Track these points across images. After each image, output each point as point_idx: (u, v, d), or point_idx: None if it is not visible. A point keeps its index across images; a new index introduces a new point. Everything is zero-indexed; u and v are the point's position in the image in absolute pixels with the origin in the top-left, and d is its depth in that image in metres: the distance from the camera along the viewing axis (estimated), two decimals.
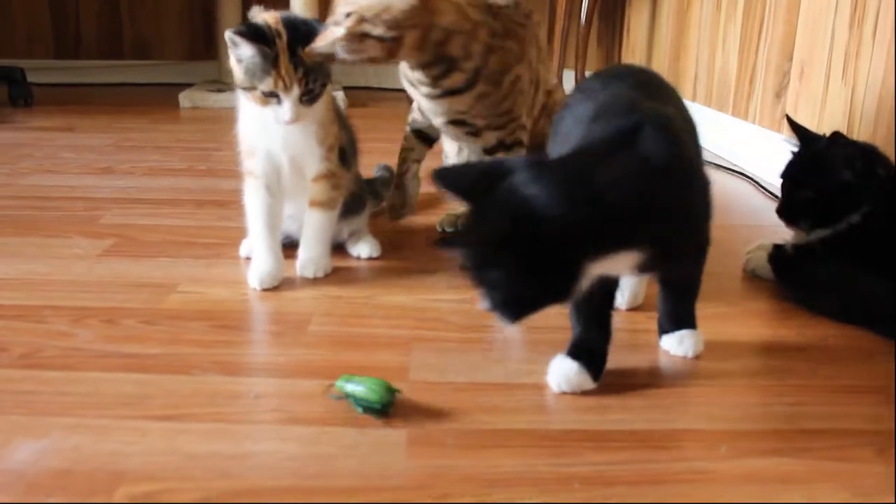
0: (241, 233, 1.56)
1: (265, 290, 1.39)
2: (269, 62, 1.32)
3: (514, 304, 0.95)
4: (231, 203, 1.84)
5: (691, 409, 1.04)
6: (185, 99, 3.28)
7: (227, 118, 3.11)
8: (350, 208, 1.53)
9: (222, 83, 3.48)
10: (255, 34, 1.32)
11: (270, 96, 1.34)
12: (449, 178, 0.96)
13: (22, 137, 2.69)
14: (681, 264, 1.12)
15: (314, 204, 1.45)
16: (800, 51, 2.13)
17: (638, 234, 0.95)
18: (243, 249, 1.54)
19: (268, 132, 1.41)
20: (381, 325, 1.26)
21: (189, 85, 3.56)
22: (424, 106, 1.56)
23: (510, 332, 1.22)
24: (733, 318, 1.33)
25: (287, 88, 1.34)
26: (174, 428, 0.97)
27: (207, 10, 3.84)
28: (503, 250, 0.90)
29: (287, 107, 1.35)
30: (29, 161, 2.33)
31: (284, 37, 1.34)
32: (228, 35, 1.32)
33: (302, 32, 1.37)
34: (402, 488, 0.86)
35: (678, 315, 1.19)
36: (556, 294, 0.95)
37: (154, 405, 1.02)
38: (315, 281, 1.44)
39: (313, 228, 1.46)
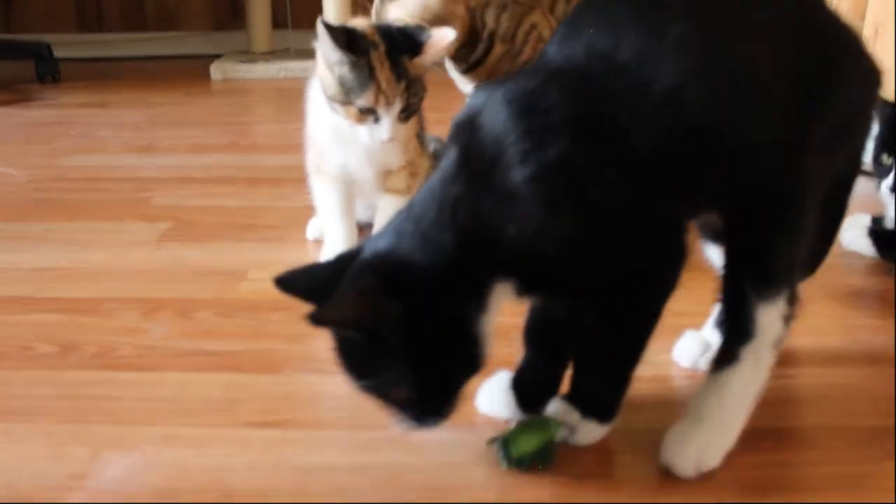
0: (302, 213, 1.46)
1: None
2: (366, 74, 1.17)
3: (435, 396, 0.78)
4: (285, 181, 1.73)
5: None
6: (216, 71, 3.16)
7: (260, 90, 3.00)
8: None
9: (252, 54, 3.35)
10: (347, 38, 1.17)
11: (367, 113, 1.20)
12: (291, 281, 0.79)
13: (54, 115, 2.58)
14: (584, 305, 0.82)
15: (391, 191, 1.33)
16: (874, 12, 1.99)
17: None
18: (310, 231, 1.44)
19: (347, 147, 1.27)
20: None
21: (216, 56, 3.42)
22: (456, 79, 1.49)
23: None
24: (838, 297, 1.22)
25: (389, 104, 1.19)
26: (277, 437, 0.87)
27: None
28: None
29: (386, 125, 1.20)
30: (66, 140, 2.22)
31: (382, 46, 1.19)
32: (319, 28, 1.16)
33: (401, 41, 1.21)
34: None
35: (576, 386, 0.85)
36: (468, 358, 0.77)
37: (248, 411, 0.93)
38: None
39: (389, 213, 1.35)
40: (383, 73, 1.18)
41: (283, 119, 2.40)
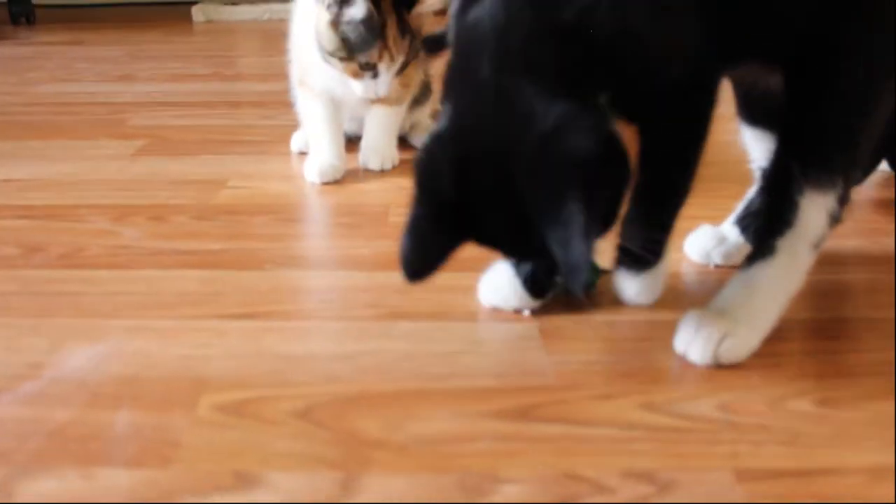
0: (286, 130, 1.37)
1: (325, 184, 1.20)
2: (377, 29, 1.10)
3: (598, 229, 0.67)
4: (271, 103, 1.64)
5: None
6: (198, 13, 3.05)
7: (245, 30, 2.89)
8: (415, 99, 1.33)
9: None
10: None
11: (367, 68, 1.13)
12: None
13: (28, 52, 2.47)
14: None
15: (380, 101, 1.24)
16: None
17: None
18: (295, 144, 1.35)
19: (337, 84, 1.20)
20: None
21: (198, 2, 3.30)
22: None
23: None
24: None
25: (392, 61, 1.13)
26: (257, 327, 0.79)
27: None
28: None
29: (384, 81, 1.15)
30: (39, 72, 2.12)
31: None
32: None
33: None
34: (549, 388, 0.69)
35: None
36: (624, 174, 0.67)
37: (227, 303, 0.84)
38: (382, 174, 1.25)
39: (377, 121, 1.27)
40: (391, 30, 1.11)
41: (268, 54, 2.30)
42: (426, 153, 0.68)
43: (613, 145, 0.64)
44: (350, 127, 1.33)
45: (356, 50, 1.12)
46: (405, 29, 1.14)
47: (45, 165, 1.31)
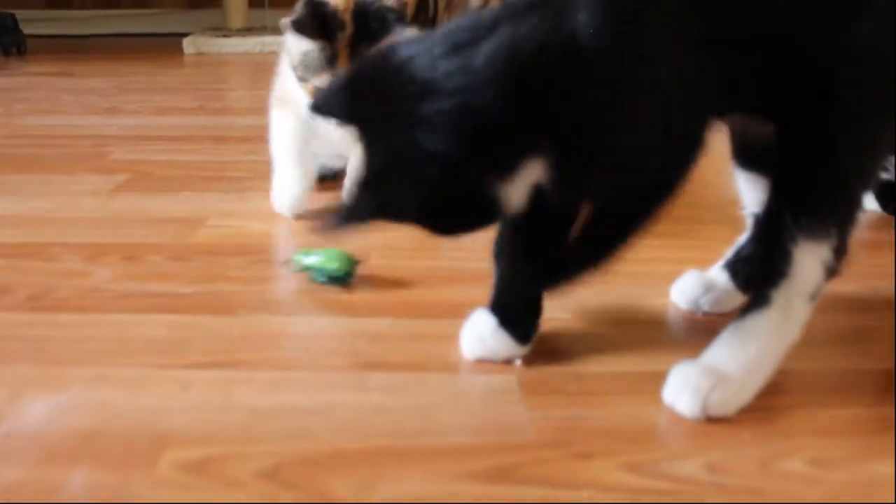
0: (271, 166, 1.34)
1: (299, 218, 1.17)
2: (327, 60, 1.12)
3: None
4: (256, 138, 1.60)
5: None
6: (189, 45, 3.04)
7: (236, 63, 2.87)
8: None
9: (227, 30, 3.22)
10: (315, 23, 1.11)
11: None
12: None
13: (16, 82, 2.45)
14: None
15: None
16: None
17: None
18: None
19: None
20: (453, 258, 1.03)
21: (187, 34, 3.29)
22: None
23: None
24: None
25: None
26: (225, 377, 0.76)
27: None
28: None
29: None
30: (25, 103, 2.09)
31: (349, 30, 1.12)
32: (284, 24, 1.12)
33: (371, 27, 1.13)
34: (528, 446, 0.66)
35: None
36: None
37: (195, 350, 0.81)
38: None
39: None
40: (342, 62, 1.12)
41: (258, 87, 2.28)
42: None
43: None
44: (335, 164, 1.30)
45: (308, 72, 1.14)
46: None
47: (22, 201, 1.28)
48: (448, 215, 0.67)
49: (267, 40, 2.97)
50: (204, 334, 0.83)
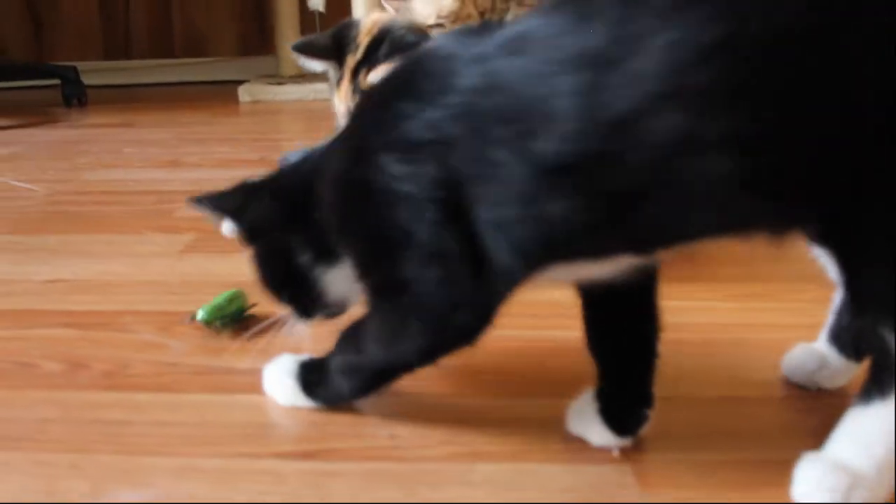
0: None
1: None
2: (336, 81, 1.16)
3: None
4: None
5: None
6: (244, 93, 3.04)
7: (290, 111, 2.86)
8: None
9: (281, 77, 3.22)
10: (330, 44, 1.15)
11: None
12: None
13: (78, 135, 2.46)
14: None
15: None
16: None
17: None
18: None
19: None
20: (560, 327, 0.97)
21: (242, 82, 3.30)
22: None
23: None
24: None
25: (342, 101, 1.20)
26: (318, 470, 0.70)
27: (261, 2, 3.60)
28: None
29: (340, 113, 1.24)
30: (88, 157, 2.09)
31: (359, 54, 1.12)
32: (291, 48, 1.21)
33: (377, 53, 1.13)
34: None
35: None
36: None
37: (283, 437, 0.76)
38: None
39: None
40: (344, 84, 1.15)
41: (315, 136, 2.25)
42: None
43: None
44: None
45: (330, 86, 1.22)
46: (356, 88, 1.15)
47: (90, 263, 1.25)
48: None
49: (319, 87, 2.95)
50: (290, 418, 0.78)
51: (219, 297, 0.99)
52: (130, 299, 1.10)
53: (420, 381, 0.84)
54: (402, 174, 0.63)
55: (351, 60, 1.14)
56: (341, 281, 0.75)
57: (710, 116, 0.56)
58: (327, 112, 1.32)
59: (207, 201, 0.80)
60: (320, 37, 1.19)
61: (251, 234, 0.79)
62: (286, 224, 0.76)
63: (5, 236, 1.41)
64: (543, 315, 0.90)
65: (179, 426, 0.77)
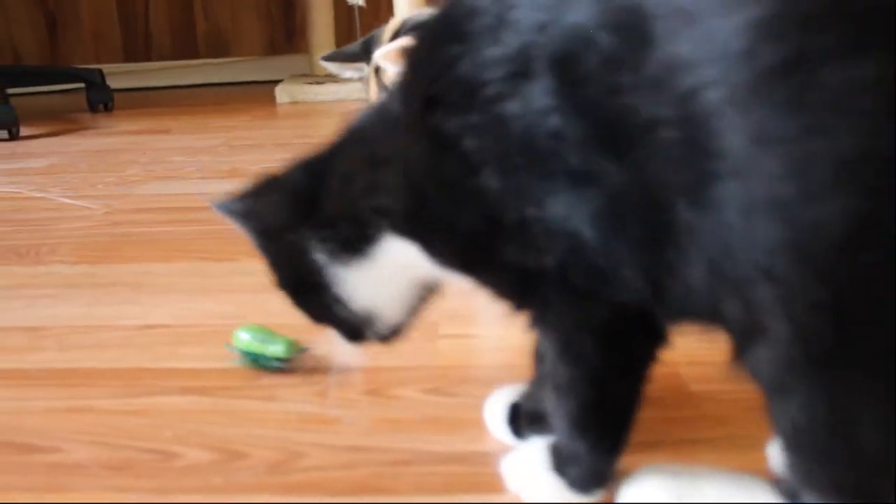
0: None
1: None
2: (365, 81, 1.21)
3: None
4: None
5: None
6: (282, 93, 2.80)
7: (334, 112, 2.62)
8: None
9: (313, 76, 2.99)
10: (356, 52, 1.20)
11: None
12: None
13: (115, 143, 2.21)
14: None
15: None
16: None
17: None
18: None
19: None
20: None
21: (270, 82, 3.07)
22: None
23: None
24: None
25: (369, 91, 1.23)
26: None
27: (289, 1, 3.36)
28: None
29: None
30: (135, 167, 1.85)
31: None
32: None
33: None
34: None
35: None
36: None
37: None
38: None
39: None
40: (373, 79, 1.17)
41: None
42: None
43: None
44: None
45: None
46: (382, 85, 1.22)
47: (188, 303, 1.02)
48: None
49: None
50: None
51: (260, 332, 0.83)
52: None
53: None
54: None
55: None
56: (368, 285, 0.60)
57: None
58: None
59: (224, 207, 0.63)
60: (350, 46, 1.24)
61: (259, 235, 0.63)
62: (295, 221, 0.60)
63: (71, 267, 1.18)
64: None
65: None
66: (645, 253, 0.46)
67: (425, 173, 0.52)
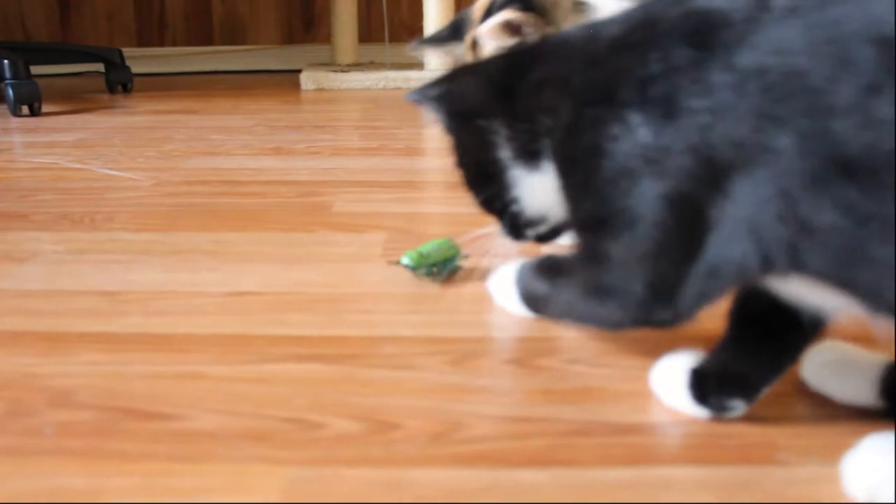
0: None
1: None
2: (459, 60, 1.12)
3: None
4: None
5: None
6: (307, 80, 2.72)
7: (361, 99, 2.55)
8: None
9: (335, 65, 2.91)
10: (446, 34, 1.14)
11: None
12: None
13: (144, 121, 2.12)
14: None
15: None
16: None
17: None
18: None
19: None
20: None
21: (288, 72, 2.98)
22: None
23: None
24: None
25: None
26: None
27: None
28: None
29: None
30: (174, 143, 1.76)
31: (473, 29, 1.05)
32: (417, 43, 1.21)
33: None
34: None
35: None
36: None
37: None
38: None
39: None
40: (470, 57, 1.09)
41: (415, 125, 1.95)
42: None
43: None
44: None
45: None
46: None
47: (274, 270, 0.94)
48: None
49: (392, 75, 2.65)
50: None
51: (426, 245, 0.88)
52: (369, 320, 0.80)
53: None
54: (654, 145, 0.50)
55: (468, 37, 1.06)
56: (542, 193, 0.61)
57: None
58: (395, 101, 1.05)
59: (418, 94, 0.66)
60: (438, 31, 1.18)
61: (451, 117, 0.65)
62: (489, 107, 0.61)
63: (136, 234, 1.09)
64: None
65: None
66: None
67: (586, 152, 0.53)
